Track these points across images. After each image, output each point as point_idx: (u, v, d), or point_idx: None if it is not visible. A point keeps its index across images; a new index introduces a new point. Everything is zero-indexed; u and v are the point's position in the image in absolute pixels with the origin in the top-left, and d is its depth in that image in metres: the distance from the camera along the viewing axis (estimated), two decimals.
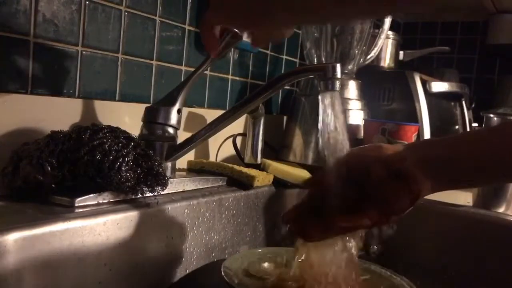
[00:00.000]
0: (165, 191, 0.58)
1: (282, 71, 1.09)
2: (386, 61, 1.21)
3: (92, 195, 0.51)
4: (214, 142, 0.86)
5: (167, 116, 0.62)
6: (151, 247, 0.55)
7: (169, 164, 0.63)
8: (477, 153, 0.44)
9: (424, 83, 1.04)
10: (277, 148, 0.99)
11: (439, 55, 1.60)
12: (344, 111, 0.93)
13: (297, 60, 1.14)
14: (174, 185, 0.63)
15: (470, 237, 0.70)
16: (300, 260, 0.55)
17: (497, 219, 0.70)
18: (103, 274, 0.49)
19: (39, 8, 0.58)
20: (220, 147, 0.87)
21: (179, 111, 0.63)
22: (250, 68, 0.98)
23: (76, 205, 0.50)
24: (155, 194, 0.56)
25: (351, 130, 0.92)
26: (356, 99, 0.96)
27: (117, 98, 0.70)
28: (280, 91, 1.09)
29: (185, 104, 0.64)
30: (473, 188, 0.76)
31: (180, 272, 0.60)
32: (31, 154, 0.49)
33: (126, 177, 0.50)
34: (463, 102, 1.15)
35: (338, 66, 0.57)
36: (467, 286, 0.68)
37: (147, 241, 0.54)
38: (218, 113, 0.66)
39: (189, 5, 0.80)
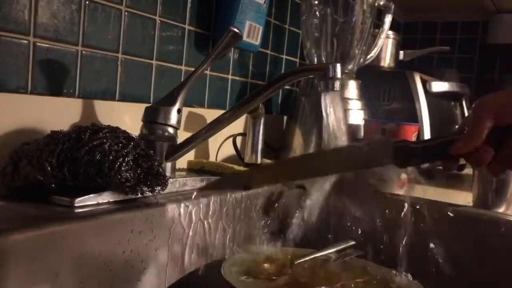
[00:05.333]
0: (165, 191, 0.58)
1: (282, 71, 1.09)
2: (386, 61, 1.21)
3: (92, 195, 0.51)
4: (214, 142, 0.86)
5: (167, 116, 0.62)
6: (150, 247, 0.55)
7: (169, 164, 0.63)
8: None
9: (424, 83, 1.04)
10: (277, 148, 0.99)
11: (439, 55, 1.60)
12: (344, 111, 0.93)
13: (297, 60, 1.14)
14: (174, 185, 0.63)
15: (470, 237, 0.70)
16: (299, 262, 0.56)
17: (497, 219, 0.70)
18: (103, 274, 0.49)
19: (39, 8, 0.58)
20: (220, 147, 0.87)
21: (179, 111, 0.63)
22: (250, 68, 0.98)
23: (76, 205, 0.50)
24: (155, 194, 0.56)
25: (351, 130, 0.92)
26: (356, 99, 0.96)
27: (117, 98, 0.70)
28: (280, 91, 1.09)
29: (185, 104, 0.64)
30: None
31: (180, 272, 0.60)
32: (31, 154, 0.49)
33: (126, 177, 0.50)
34: (463, 102, 1.15)
35: (338, 66, 0.57)
36: (466, 286, 0.68)
37: (147, 241, 0.54)
38: (218, 113, 0.66)
39: (189, 5, 0.80)
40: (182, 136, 0.65)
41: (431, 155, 0.46)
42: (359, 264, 0.62)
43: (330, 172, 0.51)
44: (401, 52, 1.27)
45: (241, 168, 0.74)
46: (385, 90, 1.07)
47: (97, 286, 0.48)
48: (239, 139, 0.89)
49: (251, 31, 0.86)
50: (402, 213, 0.74)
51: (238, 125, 0.92)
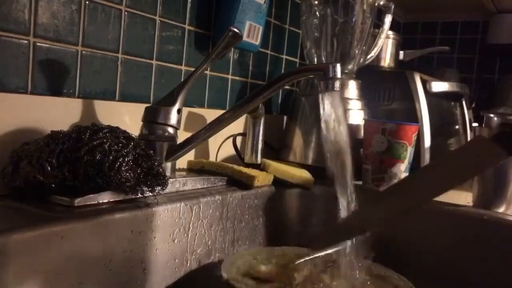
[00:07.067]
0: (165, 191, 0.58)
1: (282, 71, 1.09)
2: (386, 61, 1.21)
3: (92, 195, 0.51)
4: (214, 142, 0.86)
5: (167, 116, 0.62)
6: (150, 247, 0.55)
7: (169, 164, 0.63)
8: None
9: (424, 83, 1.04)
10: (277, 148, 0.99)
11: (439, 55, 1.60)
12: (344, 111, 0.93)
13: (297, 60, 1.14)
14: (174, 185, 0.63)
15: (470, 237, 0.70)
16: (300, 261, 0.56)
17: (497, 219, 0.70)
18: (103, 274, 0.49)
19: (39, 8, 0.58)
20: (220, 147, 0.87)
21: (179, 111, 0.63)
22: (250, 68, 0.98)
23: (76, 205, 0.50)
24: (155, 194, 0.56)
25: (351, 130, 0.92)
26: (356, 99, 0.96)
27: (117, 98, 0.70)
28: (280, 91, 1.09)
29: (185, 104, 0.64)
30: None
31: (180, 272, 0.60)
32: (31, 154, 0.49)
33: (126, 177, 0.50)
34: (463, 102, 1.15)
35: (338, 66, 0.57)
36: (467, 286, 0.68)
37: (147, 241, 0.54)
38: (218, 113, 0.66)
39: (189, 5, 0.80)
40: (182, 136, 0.65)
41: None
42: (359, 264, 0.62)
43: (442, 191, 0.49)
44: (401, 52, 1.27)
45: (242, 168, 0.74)
46: (385, 90, 1.07)
47: (97, 286, 0.48)
48: (239, 139, 0.89)
49: (251, 31, 0.86)
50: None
51: (238, 125, 0.92)
